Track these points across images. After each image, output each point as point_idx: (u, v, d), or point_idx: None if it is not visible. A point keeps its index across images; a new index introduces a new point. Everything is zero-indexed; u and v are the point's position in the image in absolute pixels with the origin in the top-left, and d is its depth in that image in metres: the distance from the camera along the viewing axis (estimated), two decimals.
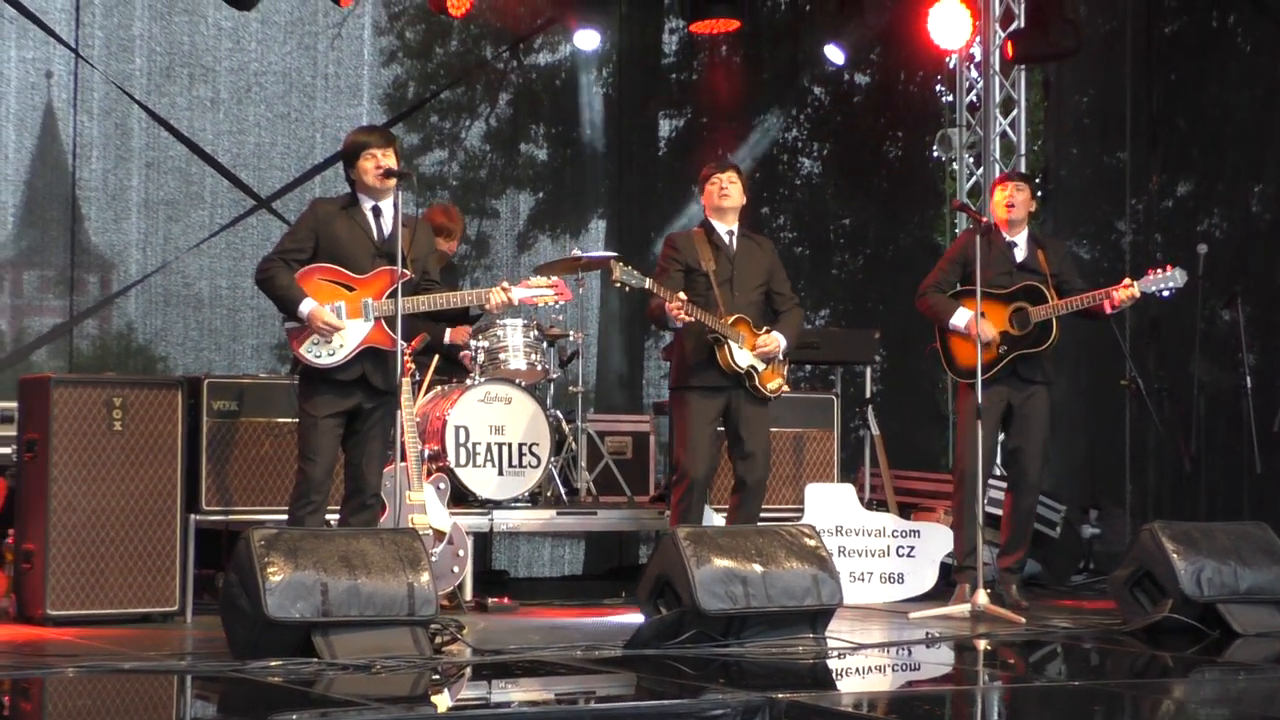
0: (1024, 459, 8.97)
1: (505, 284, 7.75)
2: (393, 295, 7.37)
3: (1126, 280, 8.88)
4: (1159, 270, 8.87)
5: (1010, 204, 8.95)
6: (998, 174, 11.78)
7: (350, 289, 7.41)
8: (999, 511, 9.37)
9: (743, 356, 8.40)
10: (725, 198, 8.56)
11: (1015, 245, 8.98)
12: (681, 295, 8.27)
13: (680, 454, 8.48)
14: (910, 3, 11.70)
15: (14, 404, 8.28)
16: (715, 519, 8.85)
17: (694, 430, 8.44)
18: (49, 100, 10.82)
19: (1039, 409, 8.92)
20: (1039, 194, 11.89)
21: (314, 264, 7.42)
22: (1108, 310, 8.86)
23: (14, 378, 9.20)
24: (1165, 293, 8.87)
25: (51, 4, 10.67)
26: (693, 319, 8.26)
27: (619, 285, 8.25)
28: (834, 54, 11.68)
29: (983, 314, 8.67)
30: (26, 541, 7.90)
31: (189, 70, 11.15)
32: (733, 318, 8.40)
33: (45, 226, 10.83)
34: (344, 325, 7.36)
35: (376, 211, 7.53)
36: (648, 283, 8.24)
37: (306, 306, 7.34)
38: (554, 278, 8.06)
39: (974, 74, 12.42)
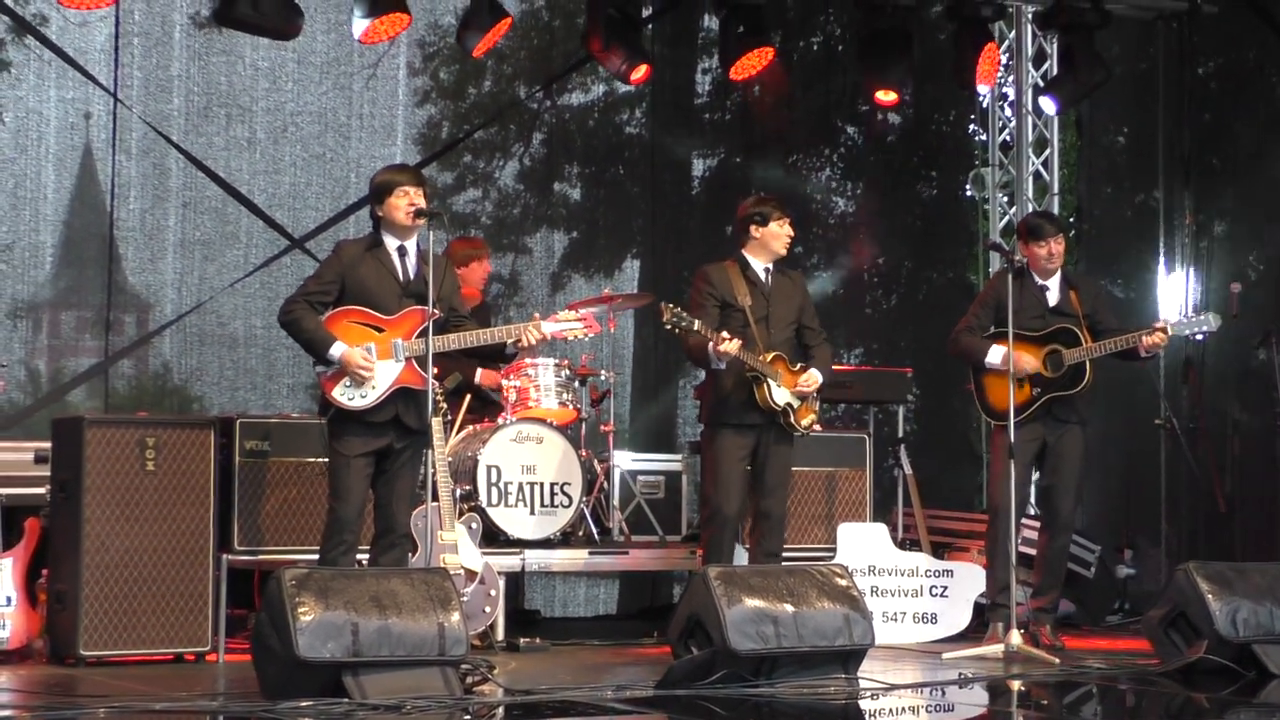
0: (1056, 497, 8.96)
1: (538, 316, 7.78)
2: (423, 334, 7.40)
3: (1159, 322, 8.86)
4: (1192, 314, 8.84)
5: (1051, 256, 8.91)
6: (1029, 211, 11.77)
7: (379, 330, 7.44)
8: (1033, 551, 9.34)
9: (781, 394, 8.39)
10: (787, 245, 8.54)
11: (1048, 288, 8.96)
12: (725, 334, 8.26)
13: (711, 491, 8.47)
14: (945, 42, 11.71)
15: (49, 444, 8.30)
16: (744, 556, 8.82)
17: (726, 467, 8.43)
18: (88, 141, 10.89)
19: (1072, 448, 8.90)
20: (1072, 233, 11.88)
21: (342, 307, 7.45)
22: (1141, 353, 8.84)
23: (50, 418, 9.22)
24: (1199, 336, 8.84)
25: (91, 45, 10.75)
26: (738, 355, 8.24)
27: (669, 328, 8.22)
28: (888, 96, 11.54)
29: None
30: (59, 582, 7.92)
31: (226, 110, 11.21)
32: (770, 355, 8.40)
33: (83, 266, 10.88)
34: (375, 366, 7.37)
35: (402, 251, 7.55)
36: (696, 324, 8.21)
37: (338, 350, 7.36)
38: (582, 311, 8.07)
39: (1007, 113, 12.41)
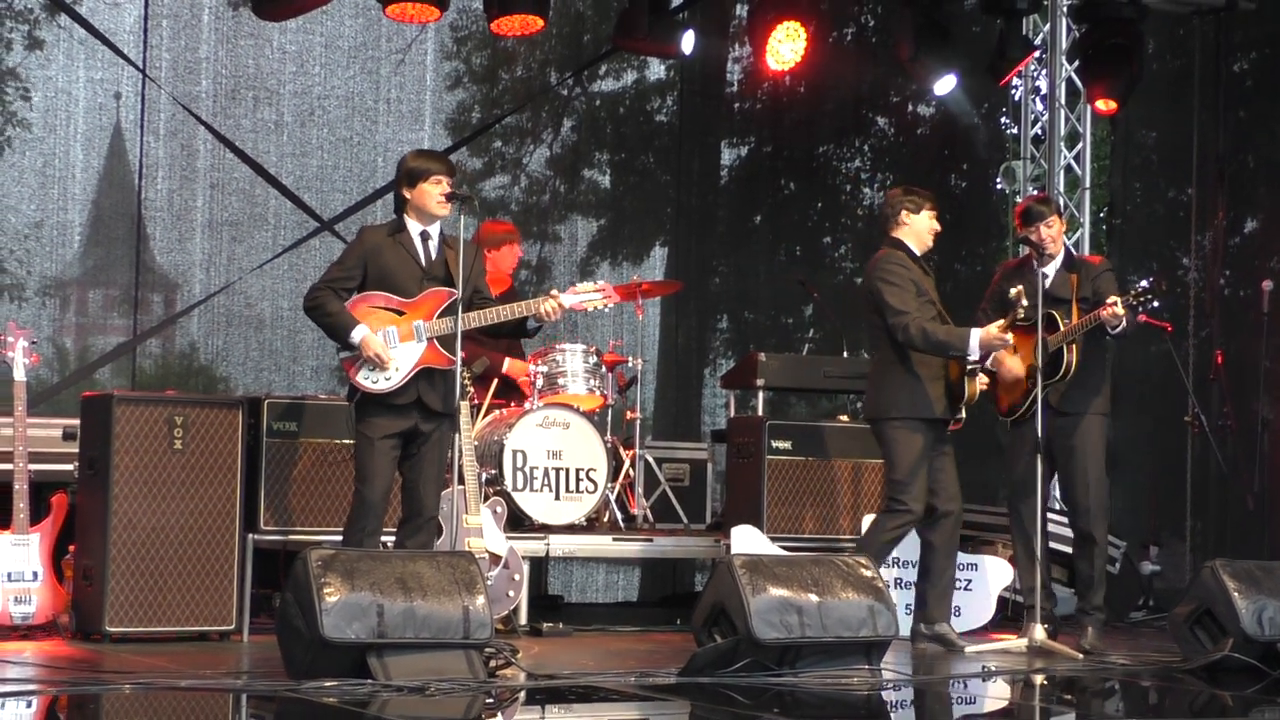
0: (1071, 490, 8.73)
1: (554, 291, 7.70)
2: (444, 314, 7.37)
3: (1111, 299, 8.62)
4: (1142, 283, 8.63)
5: (1051, 240, 8.78)
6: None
7: (401, 313, 7.42)
8: (1061, 546, 9.29)
9: (976, 386, 8.32)
10: (933, 238, 8.46)
11: (1045, 275, 8.83)
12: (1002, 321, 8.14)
13: (903, 487, 8.22)
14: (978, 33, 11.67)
15: (77, 421, 8.32)
16: (772, 548, 8.81)
17: (921, 463, 8.20)
18: (117, 121, 10.92)
19: (1080, 439, 8.60)
20: (1104, 228, 11.80)
21: (363, 293, 7.44)
22: (1109, 331, 8.61)
23: (78, 395, 9.25)
24: (1154, 304, 8.59)
25: (120, 25, 10.78)
26: None
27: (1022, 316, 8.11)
28: (946, 84, 11.46)
29: (1014, 349, 8.56)
30: (86, 558, 7.94)
31: (253, 93, 11.23)
32: None
33: (111, 245, 10.91)
34: (393, 353, 7.34)
35: (425, 236, 7.52)
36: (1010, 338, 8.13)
37: (359, 333, 7.34)
38: (601, 281, 7.96)
39: (1039, 107, 12.36)
